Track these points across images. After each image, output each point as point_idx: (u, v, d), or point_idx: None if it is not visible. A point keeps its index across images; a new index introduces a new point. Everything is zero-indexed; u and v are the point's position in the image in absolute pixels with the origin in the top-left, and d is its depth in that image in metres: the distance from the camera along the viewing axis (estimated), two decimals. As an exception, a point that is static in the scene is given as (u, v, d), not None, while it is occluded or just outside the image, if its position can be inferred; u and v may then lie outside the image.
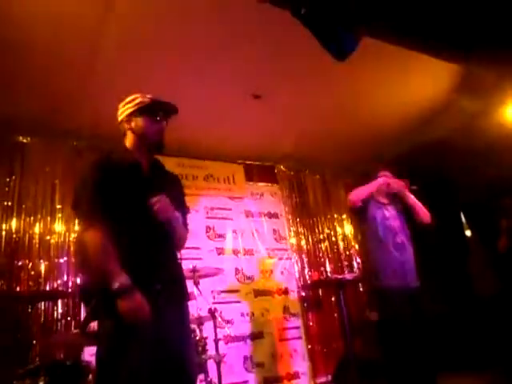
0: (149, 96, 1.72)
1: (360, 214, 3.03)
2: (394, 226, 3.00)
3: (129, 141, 1.72)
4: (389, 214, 3.04)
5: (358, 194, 2.99)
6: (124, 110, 1.73)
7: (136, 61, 3.33)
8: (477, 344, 4.46)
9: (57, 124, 3.91)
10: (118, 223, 1.54)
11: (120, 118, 1.74)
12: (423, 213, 3.07)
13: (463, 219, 6.83)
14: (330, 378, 4.51)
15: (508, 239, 4.37)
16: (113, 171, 1.61)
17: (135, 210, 1.58)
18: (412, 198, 3.10)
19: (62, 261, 3.77)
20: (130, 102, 1.72)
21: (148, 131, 1.68)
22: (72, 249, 3.83)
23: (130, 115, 1.70)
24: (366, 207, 2.99)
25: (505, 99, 4.11)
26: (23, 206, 3.76)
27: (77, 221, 1.69)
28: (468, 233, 6.73)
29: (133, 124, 1.69)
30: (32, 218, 3.77)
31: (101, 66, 3.32)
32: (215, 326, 2.89)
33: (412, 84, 4.20)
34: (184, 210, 1.83)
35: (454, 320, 4.80)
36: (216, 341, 2.86)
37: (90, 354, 3.31)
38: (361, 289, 5.25)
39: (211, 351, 2.83)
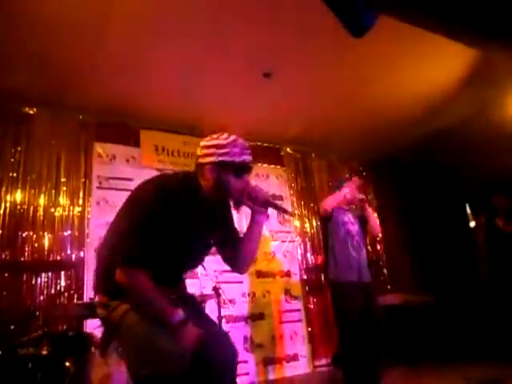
0: (237, 150, 1.51)
1: (328, 219, 3.43)
2: (352, 229, 3.41)
3: (206, 182, 1.53)
4: (348, 219, 3.45)
5: (329, 203, 3.39)
6: (208, 154, 1.51)
7: (146, 37, 3.27)
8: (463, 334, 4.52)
9: (64, 97, 3.86)
10: (157, 257, 1.43)
11: (202, 161, 1.53)
12: (375, 226, 3.55)
13: (468, 210, 6.81)
14: (329, 360, 4.56)
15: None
16: (182, 209, 1.46)
17: (180, 247, 1.51)
18: (369, 211, 3.51)
19: (65, 234, 3.77)
20: (218, 148, 1.50)
21: (231, 188, 1.53)
22: (77, 223, 3.83)
23: (212, 165, 1.50)
24: (332, 213, 3.41)
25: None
26: (28, 177, 3.74)
27: (117, 240, 1.49)
28: (472, 224, 6.72)
29: (212, 175, 1.50)
30: (37, 190, 3.75)
31: (111, 43, 3.26)
32: (219, 304, 2.89)
33: (424, 70, 4.10)
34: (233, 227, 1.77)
35: (446, 310, 4.84)
36: (219, 319, 2.86)
37: (92, 327, 3.37)
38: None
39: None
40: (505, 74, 4.00)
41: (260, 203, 1.61)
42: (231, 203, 1.64)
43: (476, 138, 4.99)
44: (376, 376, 3.14)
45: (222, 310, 3.07)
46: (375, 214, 5.47)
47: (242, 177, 1.54)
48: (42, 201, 3.75)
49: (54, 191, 3.82)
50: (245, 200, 1.58)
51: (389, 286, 5.44)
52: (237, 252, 1.66)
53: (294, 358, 4.56)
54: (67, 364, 2.30)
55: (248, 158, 1.53)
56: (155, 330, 1.36)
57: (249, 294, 4.54)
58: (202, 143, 1.55)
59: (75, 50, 3.31)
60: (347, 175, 3.87)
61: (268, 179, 5.21)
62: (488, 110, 4.48)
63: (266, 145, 5.29)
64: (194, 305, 1.68)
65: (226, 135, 1.54)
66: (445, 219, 6.11)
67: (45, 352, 2.29)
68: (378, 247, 5.71)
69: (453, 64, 4.05)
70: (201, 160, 1.52)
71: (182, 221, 1.46)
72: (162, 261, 1.43)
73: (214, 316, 2.92)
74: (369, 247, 5.43)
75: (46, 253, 3.62)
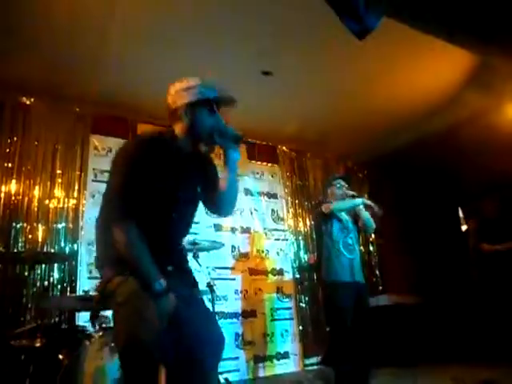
0: (208, 85, 1.59)
1: (328, 218, 3.39)
2: (346, 228, 3.42)
3: (178, 130, 1.59)
4: (342, 218, 3.45)
5: (339, 205, 3.35)
6: (181, 96, 1.58)
7: (147, 32, 3.27)
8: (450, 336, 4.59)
9: (62, 88, 3.83)
10: (145, 208, 1.47)
11: (175, 105, 1.58)
12: (368, 220, 3.47)
13: (460, 214, 6.88)
14: (319, 359, 4.60)
15: (477, 238, 4.55)
16: (160, 155, 1.50)
17: (165, 197, 1.53)
18: (360, 208, 3.46)
19: (60, 226, 3.74)
20: (188, 90, 1.57)
21: (204, 125, 1.57)
22: (71, 215, 3.81)
23: (185, 106, 1.56)
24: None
25: (516, 95, 4.07)
26: (23, 168, 3.71)
27: (105, 205, 1.54)
28: (464, 227, 6.78)
29: (187, 116, 1.56)
30: (32, 181, 3.73)
31: (113, 35, 3.24)
32: (213, 300, 2.90)
33: (422, 73, 4.13)
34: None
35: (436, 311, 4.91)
36: (214, 314, 2.87)
37: (84, 320, 3.36)
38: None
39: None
40: (501, 80, 4.05)
41: (230, 139, 1.62)
42: (207, 149, 1.66)
43: (471, 141, 5.03)
44: (365, 376, 3.18)
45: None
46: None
47: (215, 113, 1.58)
48: (36, 192, 3.72)
49: (49, 183, 3.80)
50: (216, 138, 1.59)
51: (380, 287, 5.49)
52: (218, 195, 1.68)
53: (285, 355, 4.59)
54: (60, 356, 2.30)
55: (220, 92, 1.59)
56: (145, 302, 1.38)
57: (241, 291, 4.55)
58: (172, 91, 1.60)
59: (76, 40, 3.28)
60: (336, 174, 3.89)
61: (263, 177, 5.23)
62: (484, 115, 4.52)
63: (261, 142, 5.29)
64: (190, 285, 1.65)
65: (192, 78, 1.60)
66: (438, 222, 6.18)
67: (38, 344, 2.29)
68: (371, 248, 5.76)
69: (450, 68, 4.09)
70: (173, 106, 1.58)
71: (163, 170, 1.49)
72: (152, 216, 1.47)
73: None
74: (361, 247, 5.48)
75: (39, 244, 3.60)
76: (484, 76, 4.03)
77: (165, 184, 1.50)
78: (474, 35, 2.82)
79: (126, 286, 1.41)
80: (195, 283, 1.69)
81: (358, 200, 3.40)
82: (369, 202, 3.42)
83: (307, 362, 4.66)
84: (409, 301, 4.68)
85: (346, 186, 3.60)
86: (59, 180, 3.85)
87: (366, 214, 3.48)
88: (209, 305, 3.02)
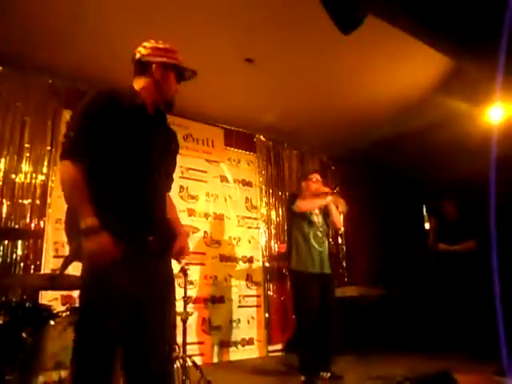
0: (181, 58, 1.68)
1: (298, 215, 3.51)
2: (316, 221, 3.54)
3: (141, 84, 1.63)
4: (313, 212, 3.57)
5: (308, 207, 3.48)
6: (157, 53, 1.64)
7: (124, 7, 3.15)
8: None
9: (34, 57, 3.65)
10: (113, 165, 1.48)
11: (146, 59, 1.63)
12: (337, 219, 3.65)
13: (424, 212, 7.14)
14: (283, 346, 4.70)
15: (435, 237, 4.74)
16: (117, 106, 1.51)
17: (134, 154, 1.51)
18: (331, 204, 3.58)
19: (26, 202, 3.60)
20: (166, 52, 1.65)
21: (170, 89, 1.65)
22: (39, 192, 3.67)
23: (162, 64, 1.63)
24: None
25: (488, 100, 4.21)
26: (-12, 139, 3.53)
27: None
28: (427, 225, 7.05)
29: (159, 73, 1.62)
30: (-3, 153, 3.55)
31: (90, 8, 3.10)
32: (186, 285, 2.89)
33: (399, 74, 4.21)
34: (174, 170, 1.78)
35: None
36: (185, 299, 2.87)
37: (47, 299, 3.28)
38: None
39: (178, 309, 2.84)
40: (473, 86, 4.18)
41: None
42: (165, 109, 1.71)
43: (440, 143, 5.21)
44: (327, 361, 3.29)
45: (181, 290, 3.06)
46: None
47: (179, 82, 1.69)
48: (2, 165, 3.55)
49: (16, 156, 3.63)
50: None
51: (346, 279, 5.64)
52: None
53: (250, 342, 4.65)
54: (24, 335, 2.23)
55: (189, 67, 1.68)
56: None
57: (211, 277, 4.56)
58: (149, 45, 1.66)
59: (50, 10, 3.12)
60: (312, 168, 3.85)
61: (239, 164, 5.21)
62: (455, 118, 4.67)
63: (239, 129, 5.27)
64: (163, 276, 1.61)
65: (168, 44, 1.69)
66: (404, 217, 6.39)
67: (0, 322, 2.21)
68: (340, 240, 5.89)
69: (426, 70, 4.17)
70: (145, 59, 1.63)
71: (123, 121, 1.50)
72: (125, 172, 1.48)
73: (179, 296, 2.93)
74: (330, 239, 5.59)
75: (3, 220, 3.45)
76: (457, 80, 4.15)
77: (125, 135, 1.50)
78: (450, 39, 2.89)
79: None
80: (168, 279, 1.65)
81: (327, 199, 3.49)
82: (334, 203, 3.56)
83: (271, 348, 4.75)
84: (373, 292, 4.84)
85: (321, 180, 3.68)
86: (27, 154, 3.69)
87: (335, 213, 3.62)
88: (181, 290, 3.01)
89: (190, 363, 2.70)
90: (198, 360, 4.07)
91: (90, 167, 1.46)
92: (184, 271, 2.80)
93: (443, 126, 4.95)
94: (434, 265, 4.94)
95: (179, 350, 2.67)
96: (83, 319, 1.45)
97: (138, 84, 1.63)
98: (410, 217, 6.56)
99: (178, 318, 2.78)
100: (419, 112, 4.91)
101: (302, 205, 3.45)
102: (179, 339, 2.78)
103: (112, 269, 1.37)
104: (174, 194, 4.36)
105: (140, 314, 1.46)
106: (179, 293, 2.91)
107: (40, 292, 3.36)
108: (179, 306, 2.83)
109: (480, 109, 4.48)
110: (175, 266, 2.99)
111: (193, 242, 4.45)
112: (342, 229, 5.75)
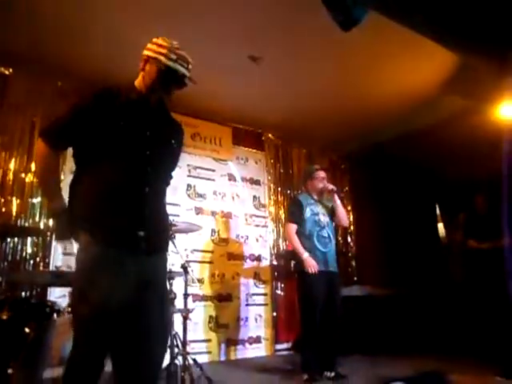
0: (174, 57, 1.59)
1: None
2: (321, 220, 3.49)
3: (138, 78, 1.66)
4: (318, 210, 3.53)
5: (293, 244, 3.46)
6: (149, 49, 1.64)
7: (134, 7, 3.19)
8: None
9: (44, 60, 3.71)
10: (101, 159, 1.49)
11: (144, 52, 1.65)
12: (342, 217, 3.63)
13: (437, 211, 7.00)
14: (290, 345, 4.69)
15: (464, 234, 4.37)
16: (109, 101, 1.54)
17: (122, 147, 1.52)
18: (337, 202, 3.59)
19: (35, 201, 3.69)
20: (158, 47, 1.62)
21: (150, 83, 1.63)
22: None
23: (147, 58, 1.64)
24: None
25: (498, 97, 4.11)
26: None
27: None
28: (440, 225, 6.91)
29: (143, 67, 1.64)
30: (8, 153, 3.65)
31: (99, 8, 3.14)
32: (186, 282, 2.91)
33: (408, 71, 4.15)
34: (175, 164, 1.78)
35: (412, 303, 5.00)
36: (186, 296, 2.89)
37: (55, 296, 3.35)
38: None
39: (179, 306, 2.86)
40: (482, 82, 4.09)
41: None
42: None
43: (451, 141, 5.12)
44: (331, 361, 3.26)
45: (188, 288, 3.09)
46: (348, 207, 5.64)
47: (162, 78, 1.60)
48: (12, 165, 3.65)
49: (26, 156, 3.72)
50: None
51: (355, 278, 5.59)
52: None
53: (257, 340, 4.66)
54: (27, 330, 2.28)
55: (180, 68, 1.59)
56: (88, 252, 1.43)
57: (218, 275, 4.58)
58: (154, 40, 1.66)
59: (61, 10, 3.16)
60: (316, 166, 3.81)
61: (247, 163, 5.22)
62: (466, 114, 4.58)
63: (248, 128, 5.28)
64: (158, 253, 1.60)
65: (174, 41, 1.65)
66: (415, 216, 6.28)
67: (4, 317, 2.27)
68: (349, 239, 5.83)
69: (434, 69, 4.12)
70: (143, 53, 1.66)
71: (113, 117, 1.53)
72: (118, 165, 1.49)
73: (180, 293, 2.96)
74: (340, 238, 5.55)
75: (13, 218, 3.54)
76: (466, 77, 4.07)
77: (117, 131, 1.52)
78: (458, 36, 2.83)
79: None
80: (166, 246, 1.66)
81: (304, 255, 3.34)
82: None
83: (278, 347, 4.74)
84: (381, 292, 4.78)
85: (326, 177, 3.65)
86: (37, 154, 3.77)
87: (341, 212, 3.59)
88: (182, 287, 3.03)
89: (190, 361, 2.72)
90: (205, 358, 4.14)
91: (78, 162, 1.49)
92: (185, 268, 2.81)
93: (455, 122, 4.86)
94: (459, 264, 4.74)
95: (179, 347, 2.69)
96: (74, 320, 1.47)
97: (136, 82, 1.66)
98: (421, 215, 6.44)
99: (178, 315, 2.80)
100: (430, 108, 4.83)
101: (289, 238, 3.57)
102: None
103: (98, 268, 1.38)
104: (181, 192, 4.47)
105: (131, 317, 1.43)
106: (180, 290, 2.94)
107: (48, 289, 3.45)
108: (179, 304, 2.86)
109: (491, 105, 4.38)
110: (177, 263, 3.05)
111: (201, 241, 4.50)
112: (352, 227, 5.72)
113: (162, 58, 1.57)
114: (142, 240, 1.47)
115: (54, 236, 1.51)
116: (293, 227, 3.46)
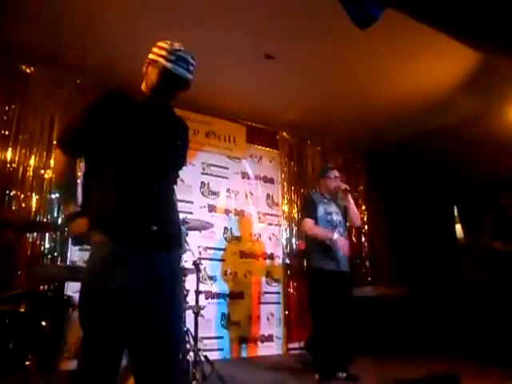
0: (173, 58, 1.57)
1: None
2: (335, 219, 3.49)
3: (144, 83, 1.66)
4: (331, 210, 3.52)
5: (314, 232, 3.41)
6: (152, 51, 1.64)
7: (150, 7, 3.22)
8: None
9: (63, 58, 3.79)
10: (117, 158, 1.52)
11: (148, 55, 1.65)
12: (354, 217, 3.62)
13: (455, 212, 6.87)
14: (302, 344, 4.68)
15: (489, 235, 4.23)
16: (119, 104, 1.57)
17: (137, 146, 1.54)
18: (351, 201, 3.58)
19: (53, 197, 3.77)
20: (160, 49, 1.60)
21: (150, 85, 1.62)
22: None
23: (148, 61, 1.63)
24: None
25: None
26: (20, 137, 3.71)
27: None
28: (458, 226, 6.78)
29: (145, 70, 1.65)
30: (28, 150, 3.74)
31: (115, 6, 3.18)
32: (198, 279, 2.94)
33: (425, 70, 4.08)
34: (183, 162, 1.79)
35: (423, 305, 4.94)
36: (197, 293, 2.92)
37: (72, 290, 3.42)
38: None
39: (191, 303, 2.90)
40: (503, 82, 4.01)
41: None
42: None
43: (471, 141, 5.02)
44: (343, 361, 3.26)
45: (200, 285, 3.12)
46: (363, 207, 5.59)
47: (161, 78, 1.59)
48: (32, 161, 3.74)
49: (45, 153, 3.81)
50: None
51: (369, 278, 5.55)
52: None
53: (269, 338, 4.67)
54: (43, 323, 2.34)
55: (179, 69, 1.57)
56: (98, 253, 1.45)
57: (231, 273, 4.61)
58: (159, 43, 1.65)
59: (79, 9, 3.21)
60: (330, 164, 3.88)
61: (261, 161, 5.23)
62: (485, 116, 4.49)
63: (262, 126, 5.28)
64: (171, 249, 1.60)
65: (177, 43, 1.63)
66: (431, 217, 6.19)
67: (22, 310, 2.33)
68: (363, 239, 5.79)
69: (454, 67, 4.04)
70: (148, 55, 1.66)
71: (122, 119, 1.55)
72: (127, 165, 1.52)
73: (192, 290, 3.00)
74: (353, 238, 5.52)
75: (32, 214, 3.63)
76: (486, 77, 3.98)
77: (128, 130, 1.54)
78: (479, 34, 2.78)
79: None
80: (179, 243, 1.67)
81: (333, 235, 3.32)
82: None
83: (291, 346, 4.75)
84: (395, 293, 4.74)
85: (340, 176, 3.63)
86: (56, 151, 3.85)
87: (353, 212, 3.58)
88: (194, 284, 3.06)
89: (202, 358, 2.75)
90: (217, 355, 4.17)
91: (88, 165, 1.53)
92: (197, 265, 2.84)
93: (475, 122, 4.77)
94: (482, 266, 4.65)
95: (191, 343, 2.72)
96: (86, 321, 1.43)
97: (142, 85, 1.67)
98: (438, 216, 6.34)
99: (190, 312, 2.83)
100: (448, 108, 4.75)
101: (308, 230, 3.45)
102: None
103: (112, 267, 1.40)
104: (195, 189, 4.51)
105: (144, 313, 1.44)
106: (192, 286, 2.97)
107: (66, 283, 3.52)
108: (191, 301, 2.89)
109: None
110: (189, 260, 3.08)
111: (214, 238, 4.53)
112: (366, 227, 5.67)
113: (161, 60, 1.57)
114: (155, 235, 1.49)
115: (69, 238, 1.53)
116: (311, 221, 3.43)
